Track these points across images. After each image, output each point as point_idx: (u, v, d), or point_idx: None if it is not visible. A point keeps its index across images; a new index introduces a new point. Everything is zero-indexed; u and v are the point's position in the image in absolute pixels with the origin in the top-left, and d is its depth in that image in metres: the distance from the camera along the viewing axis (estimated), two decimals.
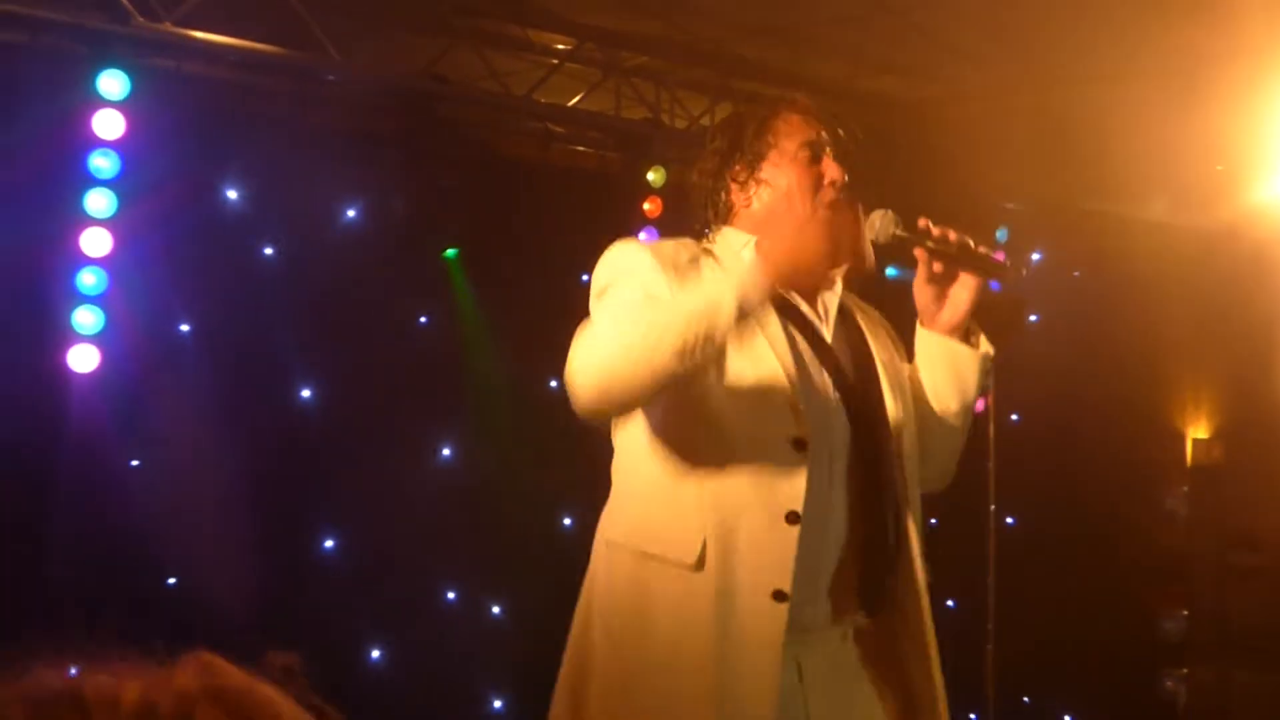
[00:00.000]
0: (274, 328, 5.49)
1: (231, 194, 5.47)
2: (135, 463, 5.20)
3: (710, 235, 2.75)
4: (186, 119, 5.19)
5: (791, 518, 2.46)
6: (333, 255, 5.70)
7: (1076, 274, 7.95)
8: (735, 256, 2.46)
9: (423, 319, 6.14)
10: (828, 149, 2.70)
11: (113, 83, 4.83)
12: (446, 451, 6.18)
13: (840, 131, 2.74)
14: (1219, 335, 7.75)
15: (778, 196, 2.66)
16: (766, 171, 2.68)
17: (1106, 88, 6.29)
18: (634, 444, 2.63)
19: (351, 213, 5.86)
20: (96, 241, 4.85)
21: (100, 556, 4.95)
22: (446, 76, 5.80)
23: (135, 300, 5.00)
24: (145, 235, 4.98)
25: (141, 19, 4.89)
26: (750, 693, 2.44)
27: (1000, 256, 2.70)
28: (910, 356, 2.81)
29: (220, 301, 5.40)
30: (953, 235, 2.64)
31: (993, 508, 7.01)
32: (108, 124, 4.84)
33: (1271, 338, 7.48)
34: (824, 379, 2.59)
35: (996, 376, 7.27)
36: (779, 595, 2.45)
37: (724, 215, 2.74)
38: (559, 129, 6.54)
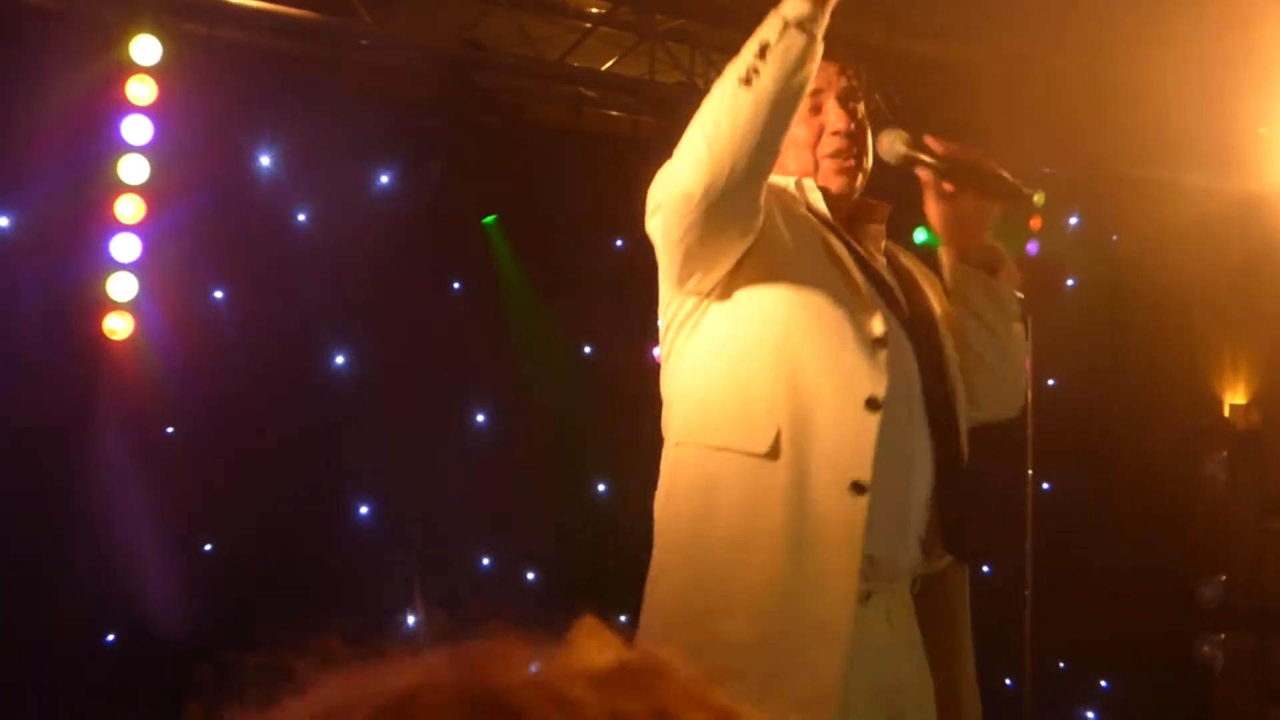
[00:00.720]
0: (308, 294, 5.49)
1: (265, 160, 5.45)
2: (170, 430, 5.21)
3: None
4: (219, 85, 5.17)
5: (871, 403, 2.38)
6: (366, 222, 5.69)
7: (1115, 238, 7.89)
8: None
9: (456, 285, 6.13)
10: (834, 96, 2.63)
11: (145, 48, 4.82)
12: (481, 418, 6.18)
13: (852, 76, 2.67)
14: (1257, 300, 7.68)
15: (795, 136, 2.58)
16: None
17: (1146, 50, 6.20)
18: (695, 348, 2.55)
19: (385, 179, 5.84)
20: (131, 208, 4.85)
21: (136, 524, 4.97)
22: (480, 42, 5.77)
23: (169, 267, 5.00)
24: (179, 201, 4.98)
25: None
26: (825, 592, 2.35)
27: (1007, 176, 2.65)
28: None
29: (254, 268, 5.40)
30: (960, 151, 2.60)
31: (1030, 472, 7.00)
32: (141, 90, 4.83)
33: None
34: (888, 310, 2.54)
35: (1034, 341, 7.25)
36: (857, 487, 2.35)
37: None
38: (592, 94, 6.49)
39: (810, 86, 2.52)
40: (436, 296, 5.99)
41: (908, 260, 2.74)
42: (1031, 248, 7.73)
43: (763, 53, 2.26)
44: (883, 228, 2.69)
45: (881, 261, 2.64)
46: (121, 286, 4.84)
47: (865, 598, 2.41)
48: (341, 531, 5.67)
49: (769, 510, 2.36)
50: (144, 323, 4.90)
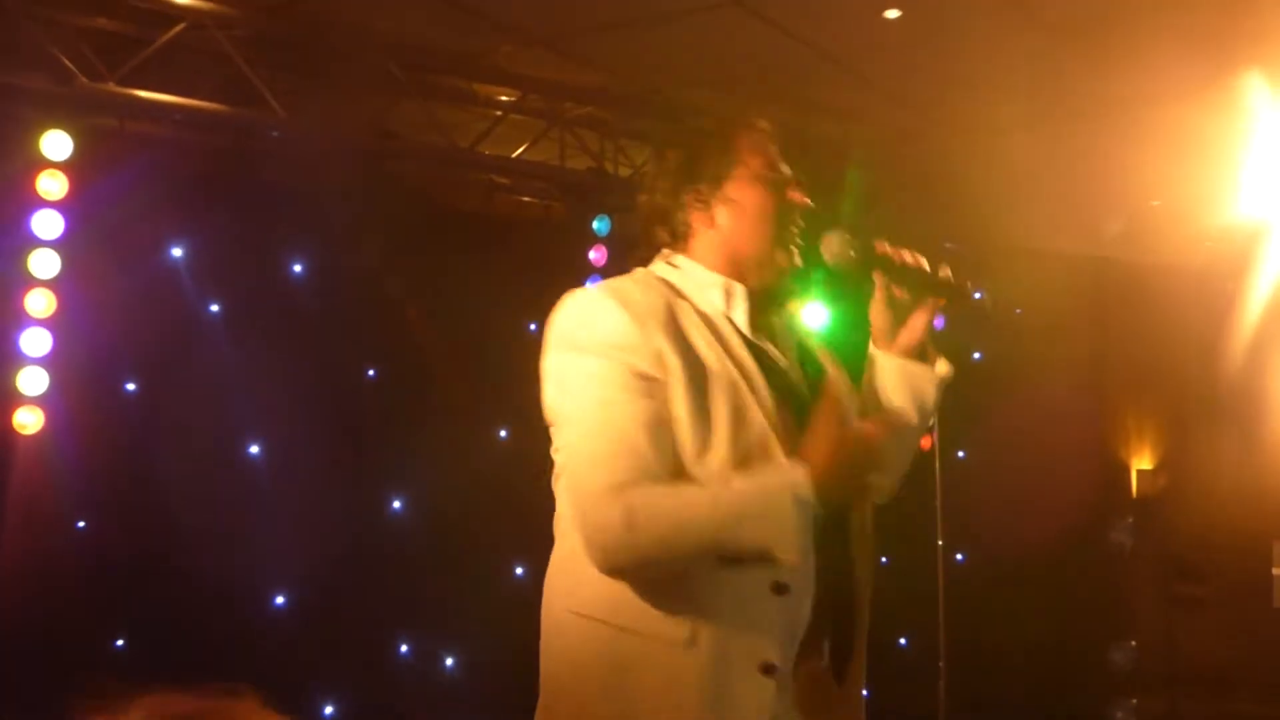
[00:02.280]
0: (221, 385, 5.47)
1: (177, 252, 5.46)
2: (81, 524, 5.16)
3: (661, 260, 2.58)
4: (131, 178, 5.18)
5: (778, 588, 2.37)
6: (279, 311, 5.70)
7: (1018, 311, 8.06)
8: (780, 507, 2.27)
9: (371, 372, 6.14)
10: (791, 178, 2.60)
11: (56, 143, 4.84)
12: (397, 504, 6.18)
13: (795, 150, 2.64)
14: (1160, 366, 7.88)
15: (745, 217, 2.53)
16: (731, 190, 2.53)
17: (1046, 128, 6.41)
18: None
19: (298, 268, 5.86)
20: (41, 302, 4.83)
21: (46, 618, 4.90)
22: (392, 131, 5.83)
23: (80, 360, 4.98)
24: (90, 295, 4.97)
25: (84, 79, 4.90)
26: None
27: (948, 273, 2.64)
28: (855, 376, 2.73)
29: (167, 360, 5.38)
30: (909, 258, 2.60)
31: (940, 544, 7.09)
32: (52, 184, 4.84)
33: (1210, 367, 7.62)
34: (798, 429, 2.44)
35: (941, 414, 7.37)
36: (767, 668, 2.36)
37: (682, 237, 2.57)
38: (503, 180, 6.58)
39: (774, 157, 2.57)
40: (350, 383, 6.00)
41: (807, 337, 2.72)
42: (938, 323, 7.88)
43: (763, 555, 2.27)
44: (797, 313, 2.70)
45: (787, 354, 2.59)
46: (31, 381, 4.82)
47: None
48: (259, 621, 5.62)
49: (688, 699, 2.35)
50: (54, 417, 4.86)
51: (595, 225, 6.52)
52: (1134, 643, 7.93)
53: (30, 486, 4.86)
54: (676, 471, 2.33)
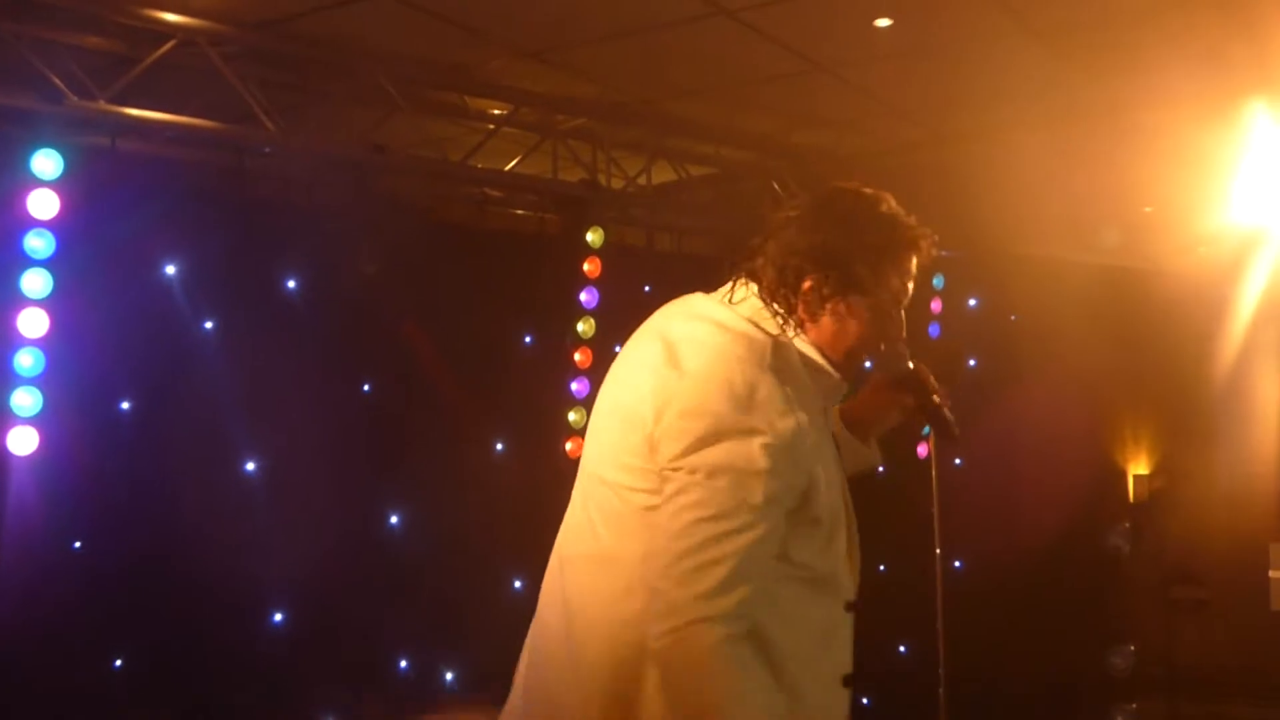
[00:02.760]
0: (216, 402, 5.46)
1: (170, 269, 5.45)
2: (77, 544, 5.14)
3: (783, 319, 2.43)
4: (123, 196, 5.17)
5: (846, 681, 2.57)
6: (273, 327, 5.69)
7: (1014, 318, 8.07)
8: None
9: (366, 387, 6.13)
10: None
11: (47, 162, 4.82)
12: (394, 519, 6.16)
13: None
14: (1154, 372, 7.88)
15: (851, 330, 2.46)
16: (860, 303, 2.45)
17: (1039, 135, 6.41)
18: None
19: (292, 284, 5.85)
20: (33, 322, 4.82)
21: (43, 639, 4.88)
22: (384, 145, 5.83)
23: (73, 380, 4.96)
24: (83, 314, 4.95)
25: (75, 98, 4.89)
26: None
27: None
28: None
29: (161, 378, 5.37)
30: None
31: (938, 551, 7.08)
32: (42, 204, 4.82)
33: (1204, 371, 7.63)
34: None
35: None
36: (847, 680, 2.54)
37: (785, 306, 2.44)
38: (497, 193, 6.58)
39: (908, 291, 2.53)
40: (346, 399, 5.98)
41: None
42: (933, 330, 7.90)
43: None
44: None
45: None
46: (25, 401, 4.80)
47: None
48: (257, 639, 5.61)
49: None
50: (49, 437, 4.85)
51: (589, 237, 6.52)
52: (1133, 647, 7.92)
53: (25, 507, 4.84)
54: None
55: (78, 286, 4.92)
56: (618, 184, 6.71)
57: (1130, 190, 6.77)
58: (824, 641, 2.48)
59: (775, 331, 2.40)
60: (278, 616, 5.72)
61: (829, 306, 2.44)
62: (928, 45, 5.47)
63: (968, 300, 8.13)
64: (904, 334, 2.58)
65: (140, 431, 5.33)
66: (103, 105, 4.97)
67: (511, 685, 2.64)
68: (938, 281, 7.96)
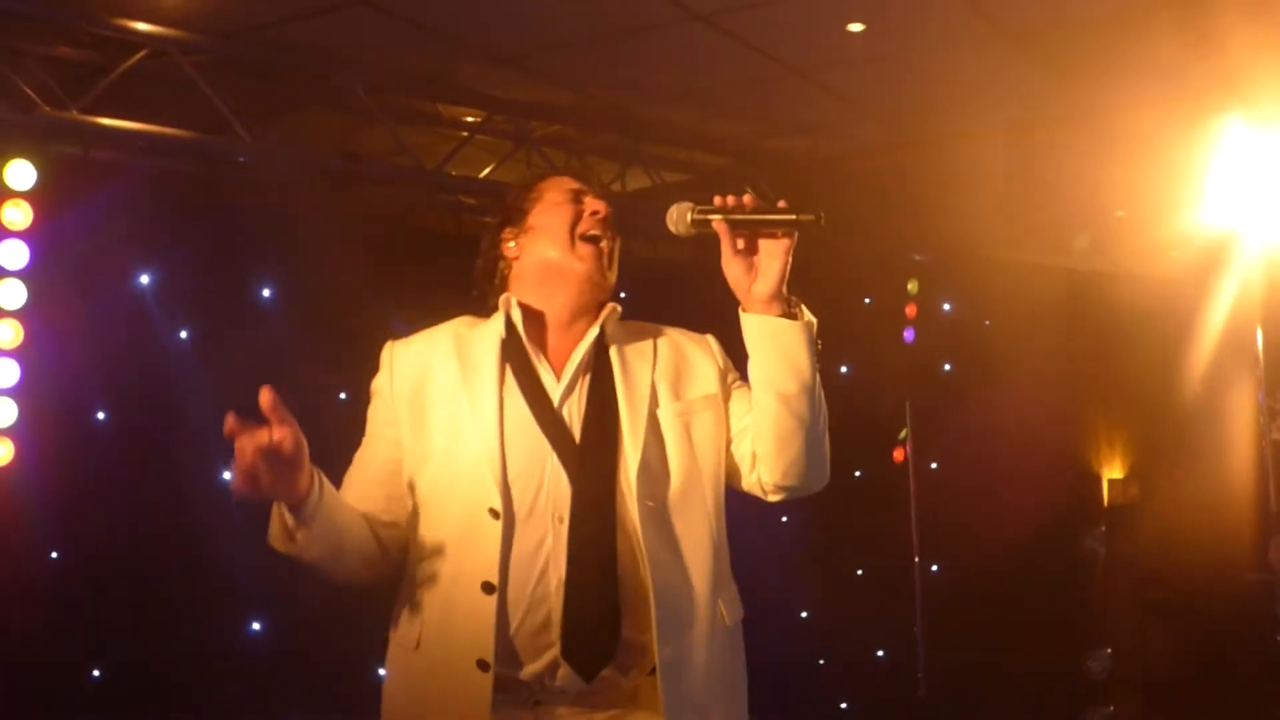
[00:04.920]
0: (193, 412, 5.43)
1: (144, 279, 5.43)
2: (54, 555, 5.12)
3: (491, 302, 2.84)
4: (96, 206, 5.15)
5: (486, 587, 2.53)
6: (249, 336, 5.67)
7: (988, 323, 8.10)
8: None
9: (342, 395, 6.11)
10: (589, 192, 2.82)
11: (19, 173, 4.81)
12: None
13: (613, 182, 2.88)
14: (1128, 375, 7.93)
15: (542, 237, 2.75)
16: (532, 220, 2.78)
17: (1012, 139, 6.45)
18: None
19: (266, 293, 5.84)
20: (7, 333, 4.80)
21: (21, 650, 4.86)
22: (357, 153, 5.82)
23: (49, 391, 4.94)
24: (58, 325, 4.94)
25: (47, 108, 4.88)
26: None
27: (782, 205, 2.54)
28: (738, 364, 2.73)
29: (137, 388, 5.34)
30: (747, 199, 2.55)
31: (916, 563, 7.14)
32: (16, 214, 4.81)
33: (1177, 375, 7.67)
34: (539, 444, 2.60)
35: (913, 426, 7.39)
36: (482, 665, 2.51)
37: (504, 279, 2.82)
38: (471, 200, 6.57)
39: (573, 186, 2.81)
40: (323, 407, 5.96)
41: (627, 353, 2.73)
42: (908, 335, 7.93)
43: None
44: (599, 326, 2.71)
45: (568, 374, 2.67)
46: (1, 412, 4.78)
47: (534, 704, 2.59)
48: (236, 648, 5.58)
49: (414, 696, 2.66)
50: (24, 448, 4.82)
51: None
52: (1109, 650, 7.95)
53: (2, 518, 4.82)
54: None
55: (52, 297, 4.91)
56: None
57: (1102, 194, 6.81)
58: (449, 613, 2.60)
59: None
60: (256, 625, 5.70)
61: (517, 244, 2.79)
62: (901, 49, 5.50)
63: (942, 305, 8.17)
64: (601, 210, 2.79)
65: (116, 441, 5.31)
66: (75, 115, 4.95)
67: None
68: (912, 286, 8.00)
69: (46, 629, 4.92)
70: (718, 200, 2.56)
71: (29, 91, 4.84)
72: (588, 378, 2.68)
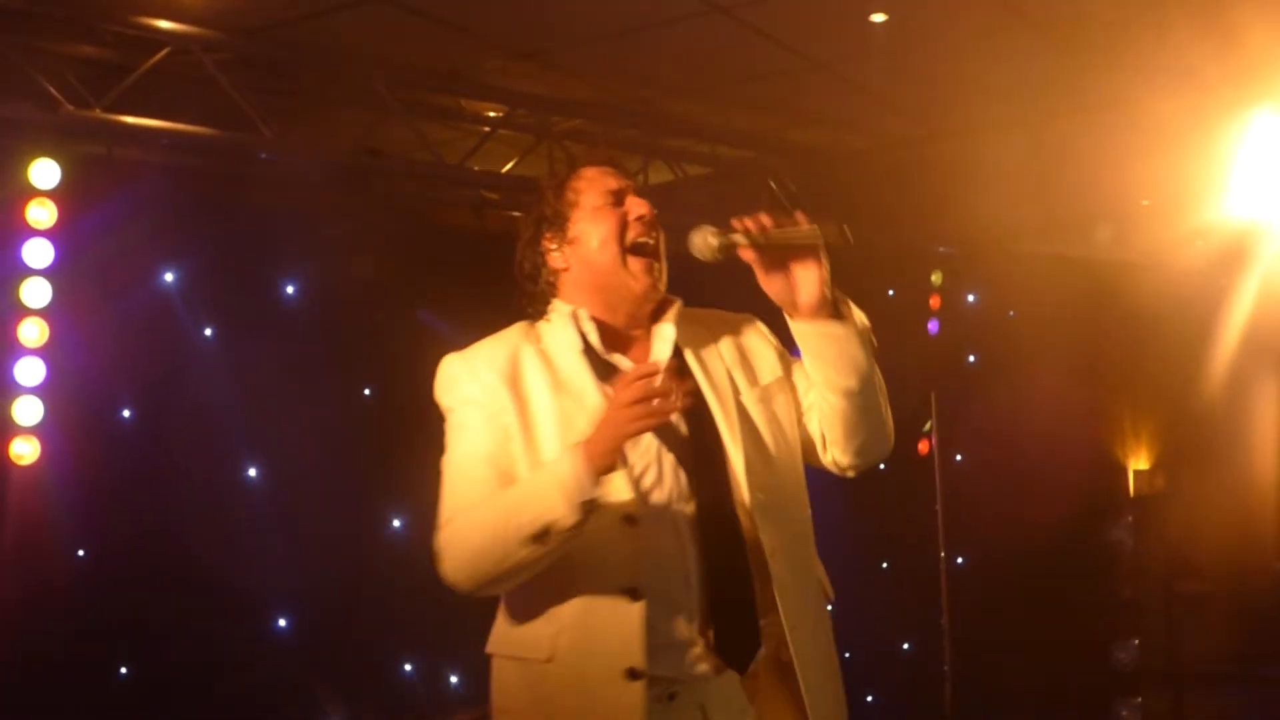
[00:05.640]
0: (218, 409, 5.46)
1: (169, 277, 5.45)
2: (81, 553, 5.14)
3: (546, 312, 2.74)
4: (120, 204, 5.16)
5: (631, 593, 2.47)
6: (274, 332, 5.69)
7: (1011, 314, 8.07)
8: (547, 473, 2.47)
9: (366, 391, 6.13)
10: (629, 191, 2.73)
11: (43, 172, 4.82)
12: (397, 523, 6.16)
13: (637, 176, 2.79)
14: (1154, 365, 7.89)
15: (590, 249, 2.68)
16: (575, 229, 2.70)
17: (1036, 130, 6.42)
18: None
19: (290, 289, 5.85)
20: (33, 332, 4.82)
21: (48, 648, 4.88)
22: (379, 149, 5.82)
23: (75, 389, 4.96)
24: (83, 323, 4.95)
25: (70, 107, 4.89)
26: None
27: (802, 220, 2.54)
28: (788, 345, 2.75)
29: (162, 386, 5.36)
30: (765, 221, 2.56)
31: (942, 556, 7.11)
32: (41, 213, 4.83)
33: (1202, 365, 7.63)
34: (652, 445, 2.57)
35: (939, 418, 7.38)
36: (632, 674, 2.44)
37: (552, 287, 2.74)
38: (493, 196, 6.57)
39: (612, 185, 2.71)
40: (348, 403, 5.98)
41: (697, 348, 2.73)
42: (932, 327, 7.90)
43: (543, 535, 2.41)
44: (672, 325, 2.70)
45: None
46: (27, 410, 4.80)
47: (670, 698, 2.52)
48: (262, 644, 5.60)
49: (551, 707, 2.53)
50: (50, 446, 4.84)
51: None
52: (1136, 641, 7.93)
53: (29, 517, 4.84)
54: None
55: (77, 295, 4.92)
56: None
57: (1127, 185, 6.77)
58: (592, 622, 2.52)
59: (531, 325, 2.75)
60: (282, 621, 5.72)
61: (564, 253, 2.71)
62: (923, 40, 5.47)
63: (966, 296, 8.14)
64: (646, 213, 2.71)
65: (142, 439, 5.33)
66: (98, 114, 4.97)
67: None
68: (936, 278, 7.97)
69: (74, 627, 4.93)
70: (735, 224, 2.57)
71: (53, 91, 4.86)
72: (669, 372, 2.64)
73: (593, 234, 2.68)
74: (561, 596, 2.51)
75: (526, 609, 2.57)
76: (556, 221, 2.72)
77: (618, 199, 2.71)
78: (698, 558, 2.54)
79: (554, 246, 2.72)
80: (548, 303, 2.74)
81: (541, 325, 2.72)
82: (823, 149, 6.99)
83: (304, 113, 5.90)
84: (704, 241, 2.58)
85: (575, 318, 2.66)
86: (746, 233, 2.54)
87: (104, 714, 5.06)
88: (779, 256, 2.56)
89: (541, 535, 2.39)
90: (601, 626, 2.48)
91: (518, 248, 2.79)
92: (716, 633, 2.54)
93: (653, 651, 2.47)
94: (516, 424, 2.58)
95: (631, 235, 2.68)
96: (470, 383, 2.64)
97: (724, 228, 2.58)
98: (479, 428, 2.59)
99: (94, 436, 5.13)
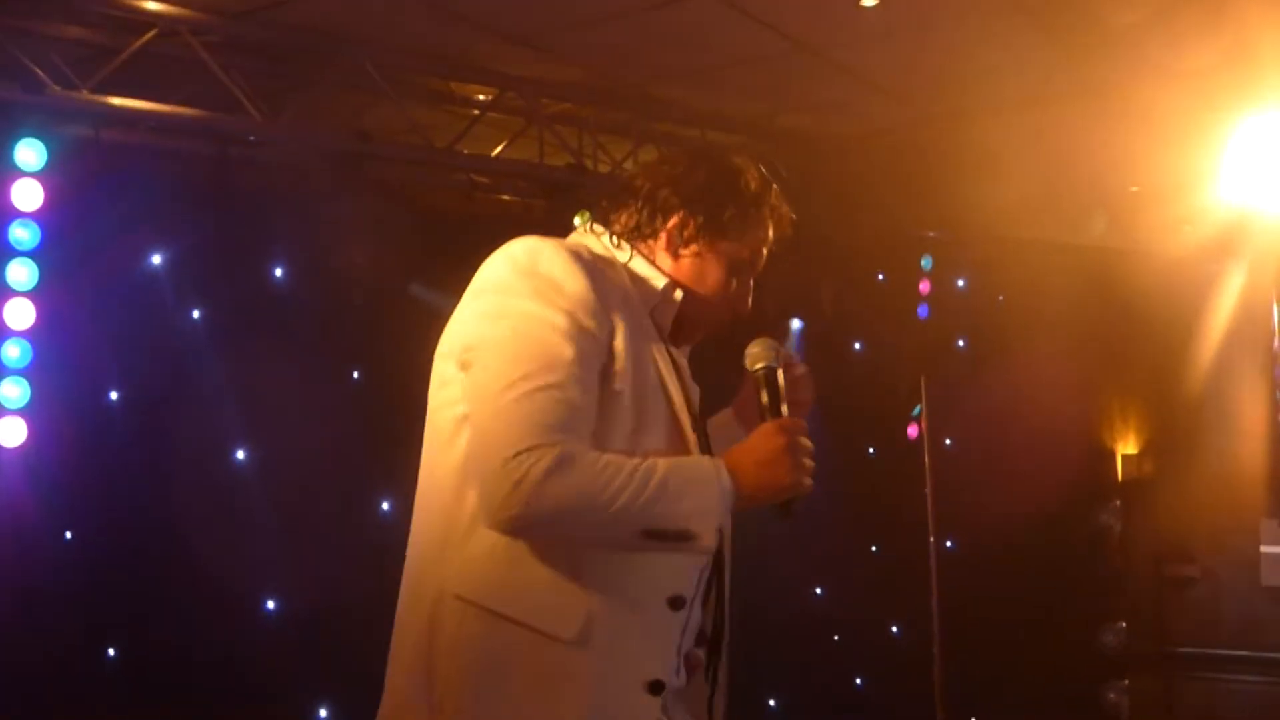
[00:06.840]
0: (205, 391, 5.45)
1: (155, 259, 5.43)
2: (68, 535, 5.13)
3: (615, 240, 2.47)
4: (107, 186, 5.15)
5: (675, 602, 2.35)
6: (261, 316, 5.67)
7: (1001, 299, 8.08)
8: (706, 485, 2.24)
9: (355, 374, 6.12)
10: (763, 259, 2.56)
11: (29, 153, 4.81)
12: (386, 506, 6.15)
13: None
14: (1142, 350, 7.90)
15: (701, 274, 2.47)
16: (721, 246, 2.47)
17: (1026, 115, 6.41)
18: None
19: (279, 272, 5.84)
20: (19, 314, 4.80)
21: (36, 631, 4.87)
22: (369, 132, 5.81)
23: (61, 371, 4.95)
24: (69, 305, 4.94)
25: (57, 88, 4.87)
26: None
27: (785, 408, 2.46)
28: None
29: (149, 368, 5.35)
30: (800, 371, 2.57)
31: (931, 540, 7.13)
32: (26, 195, 4.81)
33: (1190, 352, 7.64)
34: (693, 448, 2.42)
35: (928, 403, 7.39)
36: (654, 686, 2.31)
37: (644, 233, 2.47)
38: (483, 179, 6.56)
39: (769, 245, 2.52)
40: (336, 386, 5.97)
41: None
42: (922, 311, 7.91)
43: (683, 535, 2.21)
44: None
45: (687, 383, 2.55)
46: (13, 393, 4.79)
47: (662, 709, 2.38)
48: (250, 627, 5.60)
49: (566, 702, 2.22)
50: (38, 428, 4.83)
51: (575, 221, 6.50)
52: (1124, 624, 7.96)
53: (15, 499, 4.83)
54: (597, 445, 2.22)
55: (64, 277, 4.92)
56: (604, 168, 6.69)
57: (1117, 170, 6.78)
58: (633, 621, 2.31)
59: (601, 252, 2.43)
60: (270, 604, 5.72)
61: (692, 248, 2.46)
62: (914, 24, 5.46)
63: (956, 281, 8.14)
64: (748, 304, 2.55)
65: (129, 421, 5.32)
66: (86, 95, 4.95)
67: None
68: (926, 262, 7.97)
69: (61, 609, 4.93)
70: (785, 356, 2.52)
71: (39, 72, 4.84)
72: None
73: (720, 270, 2.49)
74: (605, 583, 2.25)
75: (549, 573, 2.24)
76: (713, 221, 2.46)
77: (757, 259, 2.53)
78: (712, 573, 2.46)
79: (691, 236, 2.46)
80: (626, 236, 2.48)
81: (632, 264, 2.45)
82: (813, 133, 6.98)
83: (293, 95, 5.88)
84: (763, 353, 2.47)
85: (666, 295, 2.45)
86: (776, 384, 2.46)
87: (92, 696, 5.05)
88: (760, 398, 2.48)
89: (665, 535, 2.19)
90: (640, 629, 2.30)
91: (659, 173, 2.52)
92: (708, 650, 2.49)
93: (675, 665, 2.40)
94: (627, 370, 2.28)
95: (739, 302, 2.54)
96: (586, 292, 2.24)
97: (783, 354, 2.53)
98: (581, 344, 2.19)
99: (81, 419, 5.13)
